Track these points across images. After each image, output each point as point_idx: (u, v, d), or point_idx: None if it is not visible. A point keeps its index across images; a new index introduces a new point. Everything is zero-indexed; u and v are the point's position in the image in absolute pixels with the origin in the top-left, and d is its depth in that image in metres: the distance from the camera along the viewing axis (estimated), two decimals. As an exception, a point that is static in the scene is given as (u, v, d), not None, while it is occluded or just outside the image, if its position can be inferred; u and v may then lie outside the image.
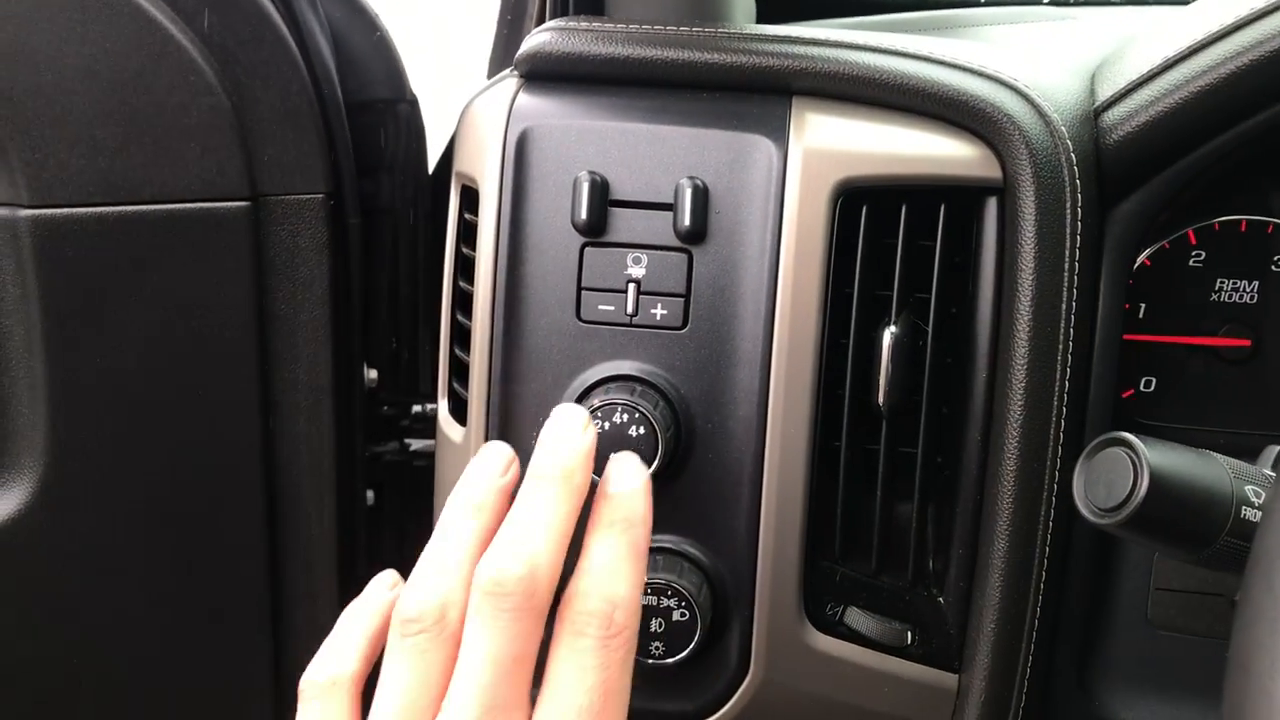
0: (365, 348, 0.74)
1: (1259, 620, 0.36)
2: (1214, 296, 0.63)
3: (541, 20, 0.68)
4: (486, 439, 0.56)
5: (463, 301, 0.59)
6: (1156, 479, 0.45)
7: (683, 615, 0.53)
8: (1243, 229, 0.63)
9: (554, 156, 0.54)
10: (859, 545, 0.58)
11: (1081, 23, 0.74)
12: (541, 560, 0.41)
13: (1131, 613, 0.62)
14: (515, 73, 0.58)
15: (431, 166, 0.78)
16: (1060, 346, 0.55)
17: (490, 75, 0.71)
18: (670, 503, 0.55)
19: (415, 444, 0.78)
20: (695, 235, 0.53)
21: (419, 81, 0.75)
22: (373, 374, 0.75)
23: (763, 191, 0.53)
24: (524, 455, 0.55)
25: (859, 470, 0.57)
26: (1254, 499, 0.46)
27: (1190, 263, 0.63)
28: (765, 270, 0.53)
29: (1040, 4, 0.87)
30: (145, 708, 0.68)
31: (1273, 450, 0.52)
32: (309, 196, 0.65)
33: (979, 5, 0.87)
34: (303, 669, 0.70)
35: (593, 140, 0.54)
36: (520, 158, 0.54)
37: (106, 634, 0.66)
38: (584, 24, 0.57)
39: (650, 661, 0.53)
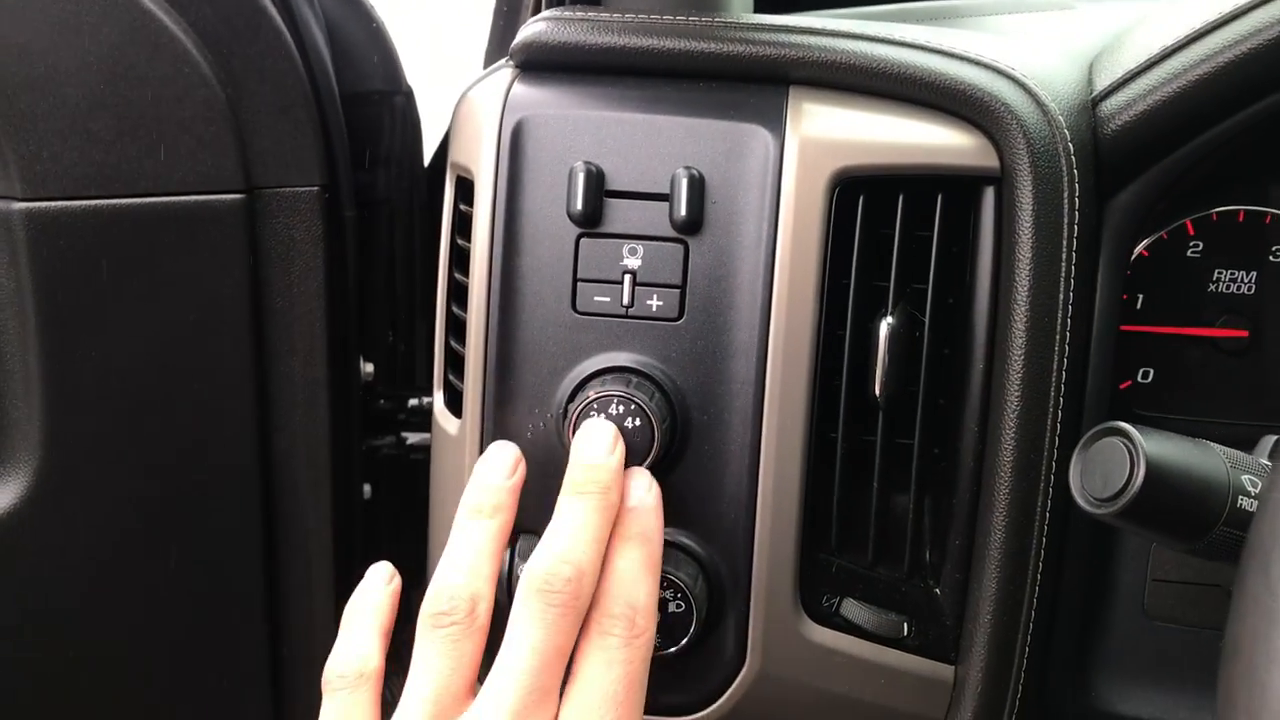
0: (361, 341, 0.74)
1: (1254, 610, 0.36)
2: (1212, 287, 0.63)
3: (538, 10, 0.67)
4: (482, 431, 0.56)
5: (458, 293, 0.58)
6: (1153, 468, 0.45)
7: (678, 607, 0.53)
8: (1240, 219, 0.62)
9: (549, 147, 0.54)
10: (855, 537, 0.58)
11: (1081, 11, 0.74)
12: (586, 567, 0.45)
13: (1128, 604, 0.62)
14: (510, 63, 0.58)
15: (428, 158, 0.78)
16: (1057, 337, 0.54)
17: (486, 66, 0.71)
18: (666, 494, 0.54)
19: (412, 437, 0.78)
20: (691, 226, 0.53)
21: (414, 73, 0.75)
22: (369, 367, 0.75)
23: (759, 181, 0.53)
24: (522, 447, 0.55)
25: (855, 462, 0.57)
26: (1250, 489, 0.46)
27: (1188, 253, 0.63)
28: (761, 261, 0.53)
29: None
30: (141, 700, 0.68)
31: (1269, 440, 0.52)
32: (304, 189, 0.65)
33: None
34: (299, 660, 0.70)
35: (588, 131, 0.54)
36: (515, 148, 0.54)
37: (102, 627, 0.66)
38: (579, 14, 0.57)
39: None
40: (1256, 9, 0.54)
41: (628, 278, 0.54)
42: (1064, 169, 0.54)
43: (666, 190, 0.53)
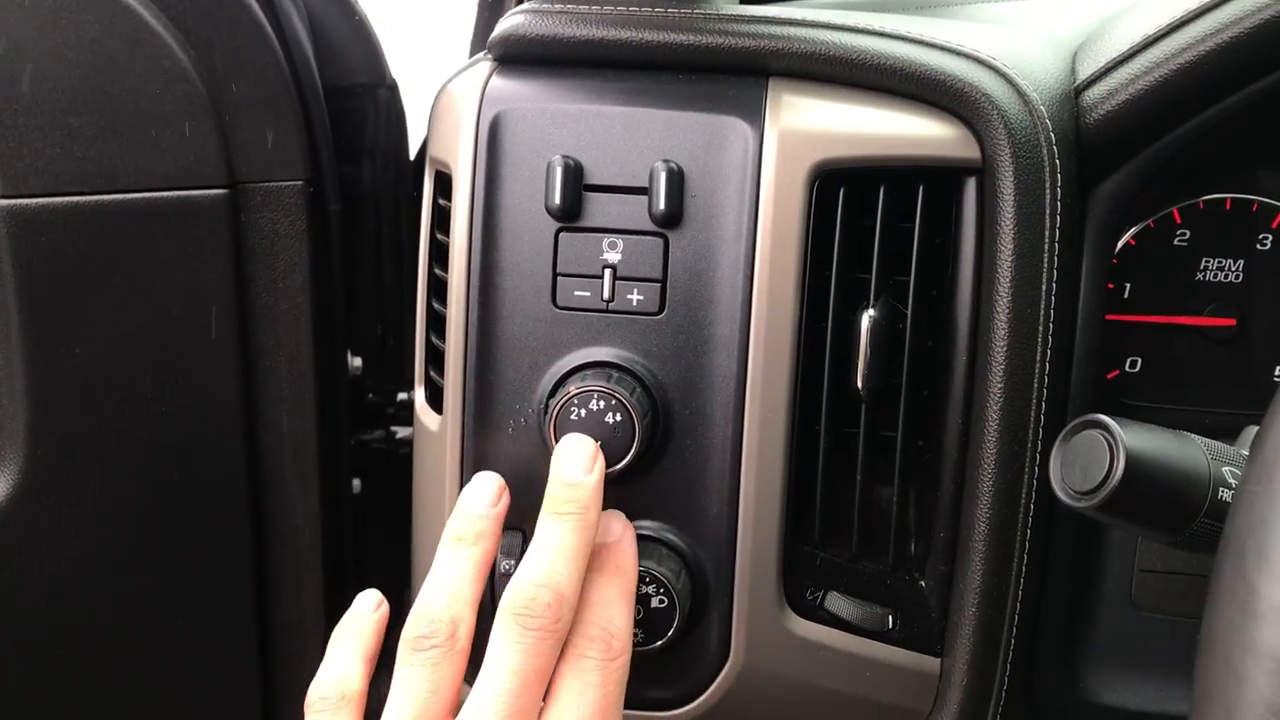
0: (349, 335, 0.73)
1: (1229, 602, 0.36)
2: (1199, 276, 0.63)
3: (519, 3, 0.67)
4: (463, 427, 0.55)
5: (438, 288, 0.58)
6: (1132, 461, 0.45)
7: (661, 602, 0.53)
8: (1227, 208, 0.62)
9: (527, 141, 0.54)
10: (839, 530, 0.58)
11: (1063, 0, 0.73)
12: (565, 590, 0.46)
13: (1116, 595, 0.62)
14: (489, 56, 0.58)
15: (413, 152, 0.78)
16: (1041, 328, 0.54)
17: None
18: (648, 489, 0.54)
19: (401, 432, 0.77)
20: (671, 219, 0.53)
21: (399, 66, 0.75)
22: (357, 362, 0.75)
23: (739, 174, 0.53)
24: (501, 444, 0.55)
25: (839, 455, 0.57)
26: (1231, 480, 0.46)
27: (1175, 242, 0.63)
28: (742, 254, 0.53)
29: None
30: (130, 695, 0.68)
31: (1251, 430, 0.52)
32: (288, 183, 0.65)
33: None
34: (288, 654, 0.70)
35: (566, 124, 0.53)
36: (493, 142, 0.54)
37: (90, 623, 0.66)
38: (558, 6, 0.57)
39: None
40: (1238, -4, 0.53)
41: (608, 272, 0.53)
42: (1045, 159, 0.54)
43: (646, 184, 0.53)
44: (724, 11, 0.57)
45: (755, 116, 0.53)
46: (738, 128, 0.53)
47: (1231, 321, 0.62)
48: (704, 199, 0.53)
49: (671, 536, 0.55)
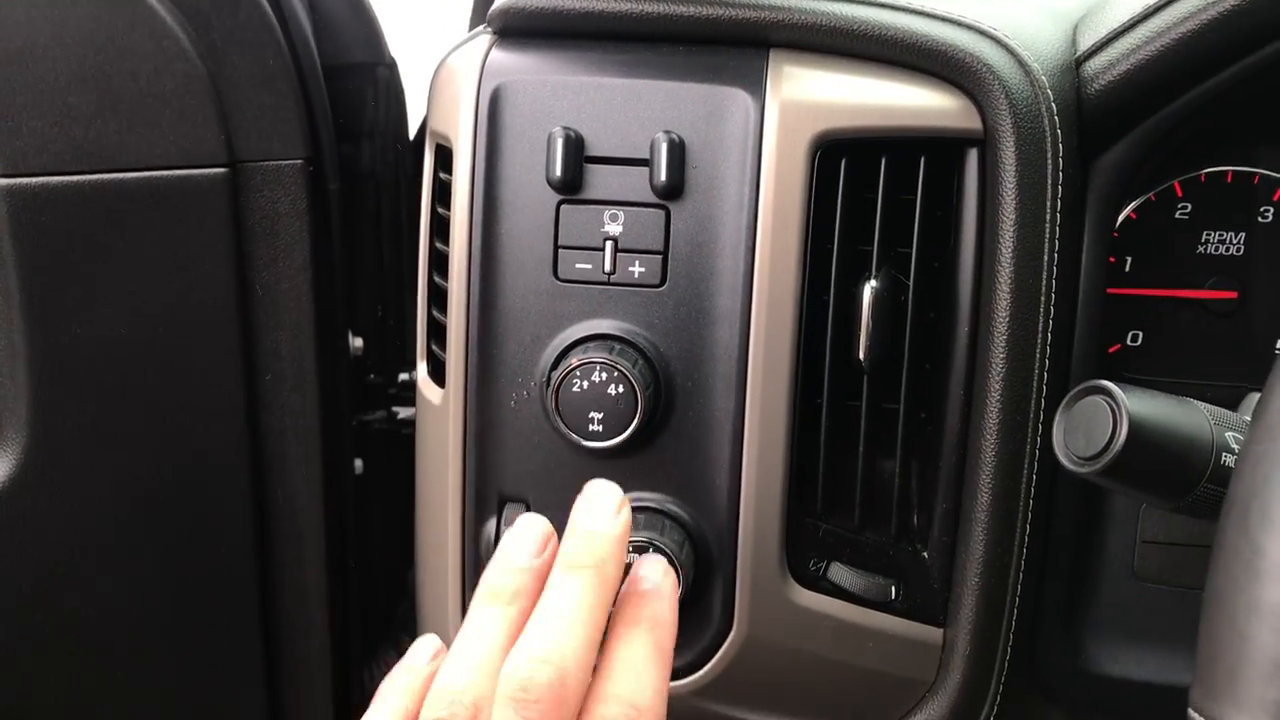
0: (350, 316, 0.73)
1: (1233, 561, 0.36)
2: (1200, 249, 0.63)
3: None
4: (465, 400, 0.55)
5: (439, 262, 0.58)
6: (1136, 426, 0.45)
7: (665, 574, 0.53)
8: (1229, 180, 0.62)
9: (528, 113, 0.54)
10: (842, 501, 0.58)
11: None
12: (571, 662, 0.39)
13: (1118, 566, 0.62)
14: (488, 29, 0.57)
15: (413, 132, 0.78)
16: (1042, 298, 0.54)
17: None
18: (651, 461, 0.54)
19: (403, 412, 0.77)
20: (672, 191, 0.53)
21: (398, 45, 0.74)
22: (358, 342, 0.75)
23: (740, 145, 0.53)
24: (504, 417, 0.55)
25: (841, 426, 0.57)
26: (1234, 445, 0.46)
27: (1176, 215, 0.63)
28: (744, 225, 0.53)
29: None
30: (132, 677, 0.68)
31: (1254, 397, 0.52)
32: (287, 162, 0.65)
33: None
34: (292, 635, 0.70)
35: (567, 96, 0.53)
36: (494, 115, 0.54)
37: (93, 603, 0.66)
38: None
39: None
40: (1240, -35, 0.53)
41: (609, 244, 0.53)
42: (1047, 129, 0.54)
43: (647, 155, 0.53)
44: None
45: (756, 87, 0.53)
46: (739, 99, 0.53)
47: (1233, 295, 0.62)
48: (705, 170, 0.53)
49: (674, 508, 0.55)
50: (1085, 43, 0.57)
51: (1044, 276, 0.54)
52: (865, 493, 0.57)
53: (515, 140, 0.54)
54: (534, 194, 0.54)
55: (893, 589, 0.57)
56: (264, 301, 0.65)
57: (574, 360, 0.52)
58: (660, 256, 0.53)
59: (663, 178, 0.52)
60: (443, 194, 0.57)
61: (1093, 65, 0.56)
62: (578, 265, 0.54)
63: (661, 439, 0.54)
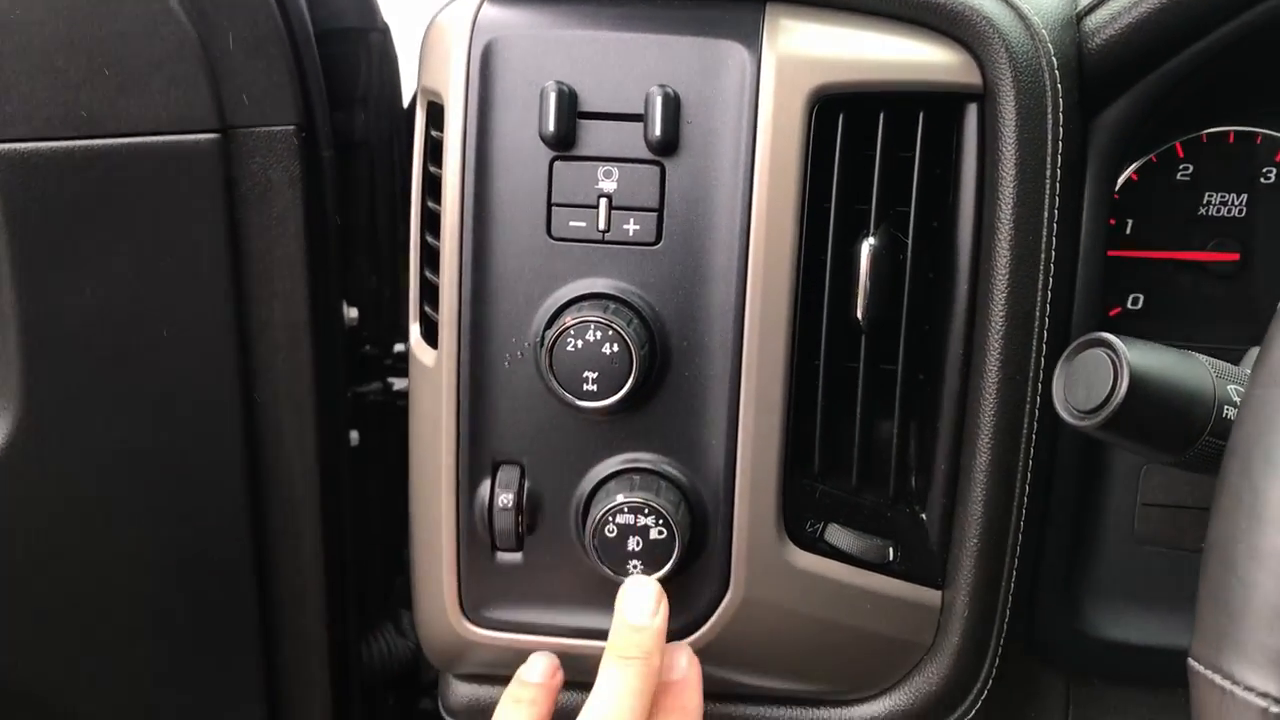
0: (345, 286, 0.73)
1: (1235, 507, 0.36)
2: (1202, 211, 0.62)
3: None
4: (458, 361, 0.55)
5: (431, 222, 0.57)
6: (1137, 379, 0.44)
7: (660, 533, 0.52)
8: (1230, 141, 0.61)
9: (520, 68, 0.53)
10: (839, 462, 0.57)
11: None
12: None
13: (1118, 528, 0.62)
14: (481, -15, 0.57)
15: (408, 100, 0.77)
16: (1042, 255, 0.54)
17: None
18: (646, 421, 0.54)
19: (399, 384, 0.77)
20: (667, 146, 0.52)
21: (391, 9, 0.74)
22: (353, 312, 0.74)
23: (736, 100, 0.52)
24: (498, 378, 0.55)
25: (839, 387, 0.56)
26: (1236, 399, 0.45)
27: (1178, 177, 0.62)
28: (740, 182, 0.52)
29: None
30: (126, 647, 0.67)
31: (1254, 351, 0.51)
32: (280, 128, 0.64)
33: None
34: (286, 608, 0.70)
35: (560, 50, 0.53)
36: (485, 70, 0.53)
37: (87, 574, 0.65)
38: None
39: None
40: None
41: (603, 201, 0.53)
42: (1047, 84, 0.53)
43: (641, 110, 0.52)
44: None
45: (753, 41, 0.52)
46: (735, 52, 0.52)
47: (1234, 256, 0.62)
48: (700, 126, 0.52)
49: (670, 469, 0.54)
50: (1086, -2, 0.57)
51: (1044, 233, 0.53)
52: (863, 454, 0.57)
53: (508, 96, 0.53)
54: (527, 150, 0.53)
55: (890, 550, 0.56)
56: (257, 269, 0.65)
57: (568, 319, 0.51)
58: (655, 214, 0.53)
59: (657, 133, 0.52)
60: (435, 153, 0.57)
61: (1094, 19, 0.55)
62: (571, 223, 0.53)
63: (657, 399, 0.54)
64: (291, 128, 0.64)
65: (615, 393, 0.51)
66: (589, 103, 0.52)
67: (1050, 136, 0.53)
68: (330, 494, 0.70)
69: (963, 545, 0.55)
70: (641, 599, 0.51)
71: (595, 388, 0.51)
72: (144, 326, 0.62)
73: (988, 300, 0.54)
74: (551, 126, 0.52)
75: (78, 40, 0.58)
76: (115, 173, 0.60)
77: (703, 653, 0.55)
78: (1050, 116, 0.53)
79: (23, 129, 0.59)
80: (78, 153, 0.60)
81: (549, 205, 0.53)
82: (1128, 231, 0.62)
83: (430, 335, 0.58)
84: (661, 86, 0.52)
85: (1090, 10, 0.56)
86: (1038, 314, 0.54)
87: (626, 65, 0.52)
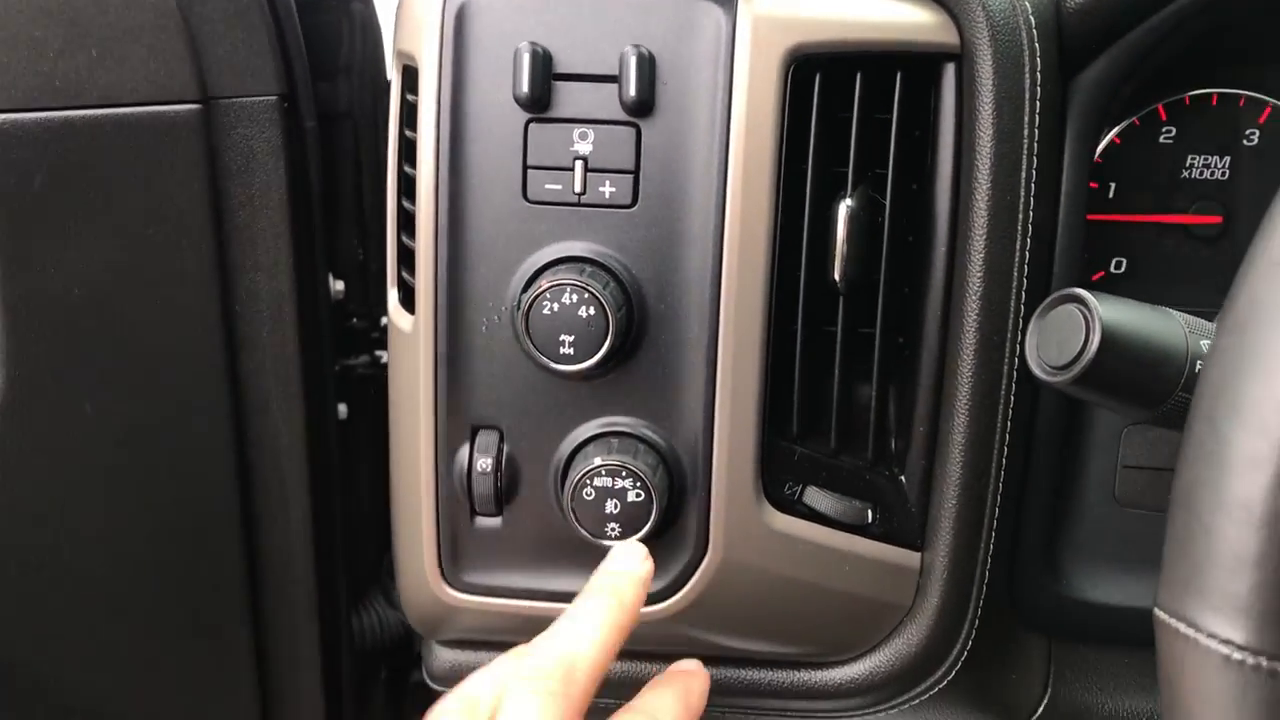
0: (330, 258, 0.73)
1: (1200, 455, 0.36)
2: (1185, 173, 0.62)
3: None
4: (435, 326, 0.55)
5: (408, 186, 0.57)
6: (1109, 334, 0.44)
7: (638, 496, 0.52)
8: (1214, 103, 0.61)
9: (494, 29, 0.53)
10: (818, 425, 0.57)
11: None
12: (580, 661, 0.44)
13: (1099, 491, 0.62)
14: (455, -52, 0.56)
15: (390, 70, 0.76)
16: (1020, 215, 0.53)
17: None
18: (624, 385, 0.54)
19: (386, 356, 0.77)
20: (642, 107, 0.52)
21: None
22: (339, 285, 0.74)
23: (711, 60, 0.52)
24: (475, 342, 0.55)
25: (817, 350, 0.56)
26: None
27: (1160, 139, 0.62)
28: (716, 144, 0.52)
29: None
30: (113, 621, 0.68)
31: (1231, 307, 0.51)
32: (262, 98, 0.64)
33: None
34: (273, 583, 0.70)
35: (534, 11, 0.52)
36: (459, 32, 0.53)
37: (74, 549, 0.65)
38: None
39: (607, 543, 0.53)
40: None
41: (579, 164, 0.53)
42: (1025, 43, 0.53)
43: (616, 71, 0.52)
44: None
45: (728, 0, 0.52)
46: (710, 11, 0.52)
47: (1218, 219, 0.62)
48: (676, 86, 0.52)
49: (648, 432, 0.54)
50: (1065, -44, 0.56)
51: (1021, 193, 0.53)
52: (842, 417, 0.57)
53: (481, 58, 0.53)
54: (501, 113, 0.53)
55: (869, 512, 0.56)
56: (241, 241, 0.65)
57: (544, 283, 0.51)
58: (631, 176, 0.53)
59: (632, 93, 0.51)
60: (410, 116, 0.57)
61: (1072, -22, 0.55)
62: (547, 186, 0.53)
63: (634, 362, 0.54)
64: (274, 98, 0.64)
65: (592, 356, 0.51)
66: (563, 64, 0.52)
67: (1028, 96, 0.53)
68: (318, 466, 0.71)
69: (941, 507, 0.55)
70: (625, 551, 0.50)
71: (572, 351, 0.51)
72: (127, 299, 0.62)
73: (965, 261, 0.54)
74: (525, 88, 0.52)
75: (55, 8, 0.58)
76: (95, 144, 0.60)
77: (682, 615, 0.55)
78: (1028, 76, 0.53)
79: (1, 100, 0.59)
80: (57, 123, 0.60)
81: (524, 168, 0.53)
82: (1110, 195, 0.62)
83: (408, 301, 0.58)
84: (636, 46, 0.52)
85: (1069, -32, 0.56)
86: (1015, 274, 0.54)
87: (601, 25, 0.52)
